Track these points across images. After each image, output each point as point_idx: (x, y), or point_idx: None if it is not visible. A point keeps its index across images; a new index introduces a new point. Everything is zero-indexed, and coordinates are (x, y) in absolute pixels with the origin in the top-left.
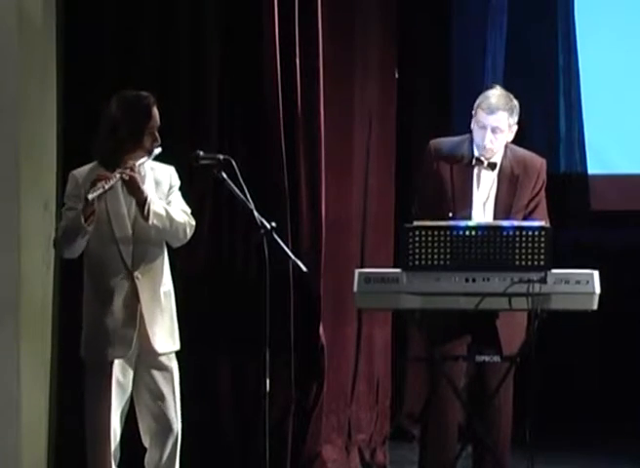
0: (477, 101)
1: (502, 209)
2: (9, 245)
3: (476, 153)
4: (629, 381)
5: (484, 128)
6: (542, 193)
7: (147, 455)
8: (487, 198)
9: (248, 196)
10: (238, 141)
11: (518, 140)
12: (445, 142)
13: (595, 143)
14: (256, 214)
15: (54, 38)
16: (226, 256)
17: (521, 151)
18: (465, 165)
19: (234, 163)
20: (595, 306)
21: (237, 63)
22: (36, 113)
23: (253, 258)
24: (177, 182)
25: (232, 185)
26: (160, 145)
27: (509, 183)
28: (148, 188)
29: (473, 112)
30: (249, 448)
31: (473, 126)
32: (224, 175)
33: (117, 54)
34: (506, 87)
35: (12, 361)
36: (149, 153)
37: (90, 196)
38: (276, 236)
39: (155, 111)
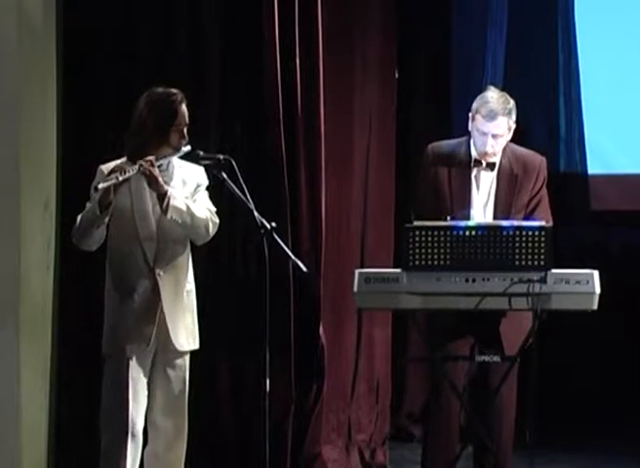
0: (475, 105)
1: (502, 208)
2: (9, 244)
3: (475, 155)
4: (629, 381)
5: (485, 134)
6: (544, 190)
7: (148, 447)
8: (487, 199)
9: (248, 196)
10: (238, 141)
11: (518, 140)
12: (442, 146)
13: (595, 143)
14: (256, 214)
15: (54, 38)
16: (226, 256)
17: (520, 150)
18: (464, 167)
19: (234, 163)
20: (595, 306)
21: (237, 63)
22: (36, 113)
23: (253, 258)
24: (204, 182)
25: (232, 185)
26: (186, 143)
27: (509, 183)
28: (175, 186)
29: (470, 116)
30: (249, 448)
31: (472, 130)
32: (224, 176)
33: (117, 54)
34: (506, 86)
35: (12, 361)
36: (176, 150)
37: (100, 185)
38: (276, 236)
39: (183, 109)
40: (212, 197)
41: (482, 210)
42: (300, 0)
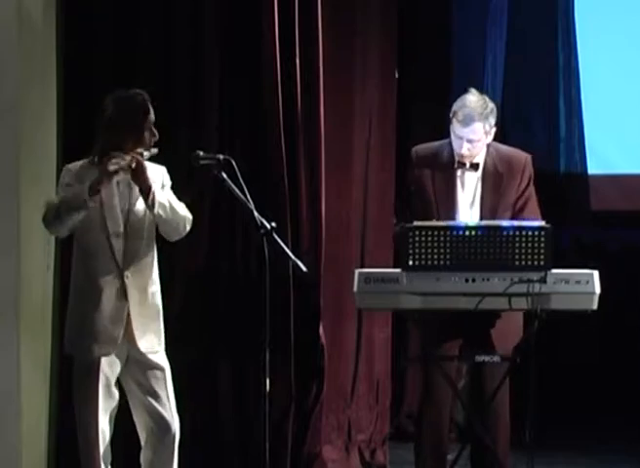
0: (453, 108)
1: (488, 208)
2: (9, 244)
3: (457, 157)
4: (629, 381)
5: (460, 139)
6: (531, 189)
7: (142, 453)
8: (473, 199)
9: (248, 196)
10: (238, 142)
11: (518, 140)
12: (426, 148)
13: (595, 143)
14: (256, 214)
15: (54, 38)
16: (226, 257)
17: (505, 149)
18: (448, 169)
19: (234, 163)
20: (595, 306)
21: (237, 64)
22: (36, 113)
23: (253, 258)
24: (169, 182)
25: (232, 185)
26: (157, 146)
27: (493, 182)
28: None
29: (451, 115)
30: (249, 448)
31: (451, 132)
32: (224, 176)
33: (117, 54)
34: (506, 87)
35: (12, 360)
36: (148, 149)
37: (111, 167)
38: (276, 236)
39: (151, 107)
40: (212, 197)
41: (468, 210)
42: (300, 0)
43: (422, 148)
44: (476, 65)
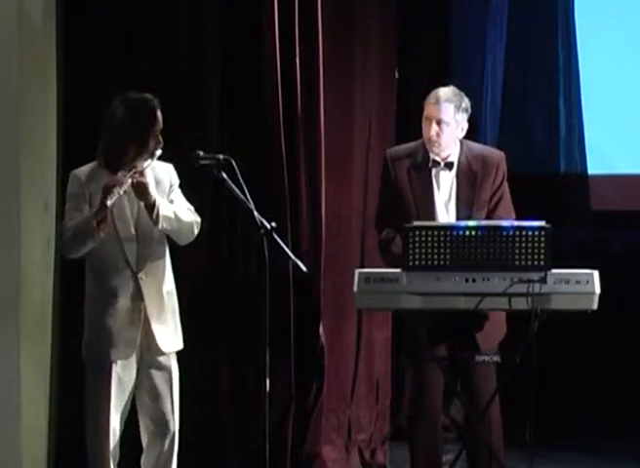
0: (426, 99)
1: (464, 206)
2: (9, 245)
3: (432, 155)
4: (629, 381)
5: (429, 119)
6: (505, 186)
7: (144, 455)
8: (449, 198)
9: (248, 196)
10: (238, 142)
11: (518, 140)
12: (400, 150)
13: (595, 143)
14: (256, 214)
15: (54, 38)
16: (226, 257)
17: (478, 147)
18: (423, 169)
19: (234, 163)
20: (595, 306)
21: (237, 64)
22: (36, 113)
23: (253, 258)
24: (176, 180)
25: (232, 185)
26: (161, 147)
27: (468, 180)
28: (150, 187)
29: (423, 106)
30: (249, 448)
31: (422, 121)
32: (224, 176)
33: (117, 53)
34: (506, 87)
35: (12, 361)
36: (152, 155)
37: (109, 202)
38: (276, 236)
39: (160, 114)
40: (212, 197)
41: (444, 209)
42: (300, 0)
43: (397, 150)
44: (476, 66)
